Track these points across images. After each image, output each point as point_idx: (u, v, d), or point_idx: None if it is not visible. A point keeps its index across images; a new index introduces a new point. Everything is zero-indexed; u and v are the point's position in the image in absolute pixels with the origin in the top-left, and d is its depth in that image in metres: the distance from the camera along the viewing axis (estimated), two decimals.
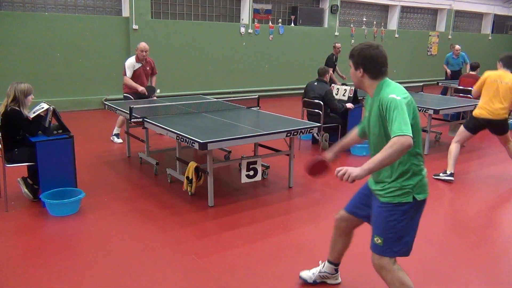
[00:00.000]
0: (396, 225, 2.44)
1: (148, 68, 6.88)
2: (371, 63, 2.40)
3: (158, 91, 7.20)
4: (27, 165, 4.33)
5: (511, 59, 5.30)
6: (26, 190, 4.38)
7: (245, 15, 11.65)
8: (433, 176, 5.37)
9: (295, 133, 4.60)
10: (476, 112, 5.40)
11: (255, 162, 4.45)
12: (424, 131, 6.72)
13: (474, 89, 5.63)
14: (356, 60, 2.45)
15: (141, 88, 6.67)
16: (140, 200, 4.57)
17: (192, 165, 4.47)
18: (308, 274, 3.08)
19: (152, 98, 6.89)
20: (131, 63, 6.72)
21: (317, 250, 3.55)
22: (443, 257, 3.53)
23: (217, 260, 3.37)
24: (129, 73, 6.70)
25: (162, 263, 3.33)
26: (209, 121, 5.02)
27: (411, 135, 2.22)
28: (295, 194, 4.83)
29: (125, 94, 6.80)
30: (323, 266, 3.06)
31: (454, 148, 5.45)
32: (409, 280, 2.51)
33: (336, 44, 9.92)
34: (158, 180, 5.22)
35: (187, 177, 4.50)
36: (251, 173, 4.45)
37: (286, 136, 4.55)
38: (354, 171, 2.26)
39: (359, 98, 6.75)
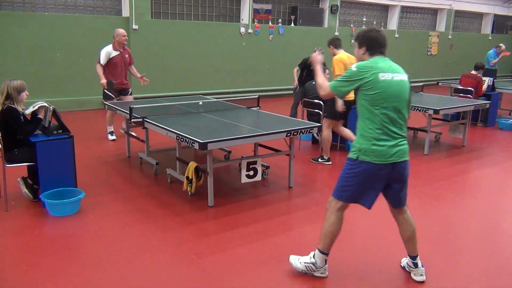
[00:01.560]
0: (343, 174, 3.03)
1: (126, 56, 6.68)
2: (372, 43, 2.94)
3: (143, 77, 6.90)
4: (27, 165, 4.32)
5: None
6: (26, 190, 4.38)
7: (245, 15, 11.64)
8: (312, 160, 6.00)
9: (295, 133, 4.59)
10: None
11: (255, 162, 4.45)
12: (424, 131, 6.74)
13: None
14: (360, 40, 2.98)
15: (102, 81, 6.47)
16: (140, 200, 4.57)
17: (192, 165, 4.47)
18: (297, 263, 3.22)
19: (122, 84, 6.72)
20: (107, 51, 6.50)
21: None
22: (443, 256, 3.54)
23: (217, 260, 3.37)
24: (103, 61, 6.48)
25: (162, 263, 3.33)
26: (209, 121, 5.02)
27: (333, 90, 2.96)
28: (295, 194, 4.83)
29: (104, 91, 6.57)
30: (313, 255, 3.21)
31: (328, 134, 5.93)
32: (339, 227, 3.08)
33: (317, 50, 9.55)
34: (158, 180, 5.22)
35: (187, 177, 4.50)
36: (251, 173, 4.44)
37: (286, 136, 4.54)
38: (316, 59, 3.24)
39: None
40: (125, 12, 9.95)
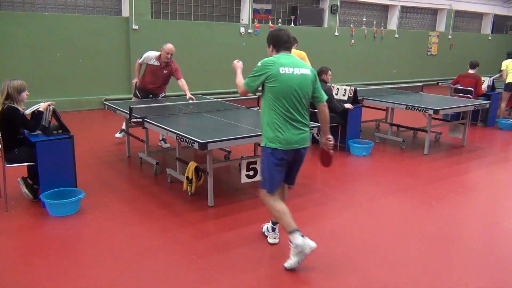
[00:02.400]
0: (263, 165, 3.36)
1: (165, 72, 6.29)
2: (276, 41, 3.32)
3: (189, 95, 6.26)
4: (27, 165, 4.32)
5: None
6: (26, 190, 4.38)
7: (245, 15, 11.64)
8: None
9: None
10: None
11: (255, 162, 4.44)
12: (424, 131, 6.74)
13: None
14: (268, 40, 3.38)
15: (135, 80, 6.52)
16: (140, 200, 4.57)
17: (192, 165, 4.47)
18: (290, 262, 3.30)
19: (157, 88, 6.52)
20: (149, 55, 6.27)
21: (317, 249, 3.55)
22: (443, 256, 3.54)
23: (217, 260, 3.37)
24: (141, 60, 6.34)
25: (162, 263, 3.33)
26: (209, 121, 5.02)
27: (245, 86, 3.34)
28: (295, 194, 4.82)
29: (136, 90, 6.51)
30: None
31: None
32: (281, 205, 3.32)
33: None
34: (158, 180, 5.22)
35: (187, 177, 4.50)
36: (251, 173, 4.44)
37: None
38: (236, 65, 3.79)
39: (359, 98, 6.75)
40: (125, 12, 9.95)
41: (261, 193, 3.41)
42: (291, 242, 3.20)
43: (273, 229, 3.67)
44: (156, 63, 6.25)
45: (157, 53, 6.24)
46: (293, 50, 6.05)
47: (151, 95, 6.52)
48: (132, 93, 6.92)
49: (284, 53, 3.32)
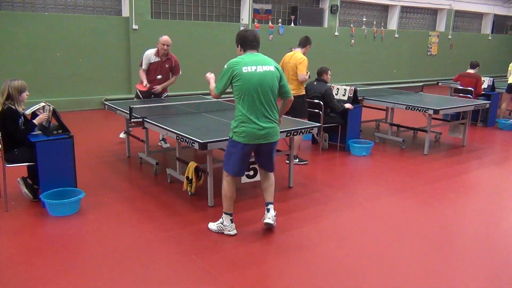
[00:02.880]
0: (226, 151, 3.70)
1: (166, 66, 6.31)
2: (242, 41, 3.56)
3: (158, 87, 6.33)
4: (27, 165, 4.32)
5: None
6: (26, 190, 4.38)
7: (245, 15, 11.64)
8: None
9: (295, 133, 4.59)
10: None
11: (255, 162, 4.45)
12: (424, 131, 6.74)
13: None
14: (236, 40, 3.60)
15: (145, 83, 6.22)
16: (140, 200, 4.57)
17: (192, 165, 4.47)
18: (212, 225, 3.87)
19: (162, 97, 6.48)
20: (148, 54, 6.27)
21: (317, 249, 3.55)
22: (443, 256, 3.54)
23: (217, 260, 3.37)
24: (144, 65, 6.27)
25: (162, 263, 3.33)
26: (209, 121, 5.02)
27: (215, 89, 3.62)
28: (295, 194, 4.83)
29: (137, 91, 6.47)
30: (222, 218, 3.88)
31: None
32: (231, 190, 3.72)
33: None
34: (158, 180, 5.22)
35: (187, 177, 4.50)
36: (251, 173, 4.44)
37: (286, 136, 4.54)
38: (208, 77, 3.96)
39: (359, 98, 6.75)
40: (125, 12, 9.95)
41: (224, 173, 3.72)
42: (222, 218, 3.77)
43: (268, 210, 3.87)
44: (157, 59, 6.26)
45: (154, 50, 6.26)
46: (293, 52, 6.01)
47: (153, 95, 6.44)
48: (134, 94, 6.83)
49: (250, 52, 3.56)
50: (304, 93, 6.04)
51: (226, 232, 3.75)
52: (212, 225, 3.84)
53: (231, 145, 3.63)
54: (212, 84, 3.81)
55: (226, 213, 3.77)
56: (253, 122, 3.48)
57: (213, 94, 3.69)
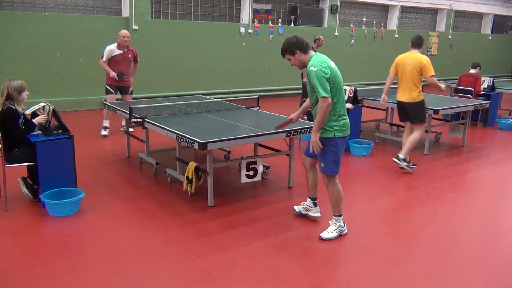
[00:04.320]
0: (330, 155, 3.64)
1: (130, 56, 7.09)
2: (301, 44, 3.51)
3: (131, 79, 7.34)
4: (27, 165, 4.32)
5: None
6: (26, 190, 4.38)
7: (245, 15, 11.64)
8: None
9: (295, 133, 4.59)
10: None
11: (255, 162, 4.45)
12: (424, 131, 6.73)
13: None
14: (290, 49, 3.53)
15: (112, 74, 6.90)
16: (140, 200, 4.57)
17: (192, 165, 4.47)
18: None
19: (128, 91, 7.20)
20: (110, 48, 6.97)
21: (317, 249, 3.55)
22: (443, 256, 3.54)
23: (217, 260, 3.37)
24: (105, 58, 6.96)
25: (162, 263, 3.33)
26: (209, 121, 5.02)
27: (328, 94, 3.40)
28: (295, 194, 4.83)
29: (106, 86, 7.08)
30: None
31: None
32: (342, 191, 3.77)
33: (321, 37, 9.43)
34: (158, 180, 5.22)
35: (187, 177, 4.50)
36: (251, 173, 4.44)
37: (286, 136, 4.54)
38: (314, 139, 3.56)
39: (359, 98, 6.75)
40: (125, 12, 9.95)
41: (329, 179, 3.74)
42: (336, 222, 3.79)
43: (315, 205, 4.15)
44: (119, 51, 6.94)
45: (114, 44, 6.97)
46: (414, 54, 5.68)
47: (119, 89, 7.14)
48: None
49: (310, 52, 3.58)
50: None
51: (344, 233, 3.80)
52: (329, 234, 3.74)
53: (335, 144, 3.59)
54: (319, 119, 3.50)
55: (339, 215, 3.80)
56: (346, 114, 3.62)
57: (327, 103, 3.42)
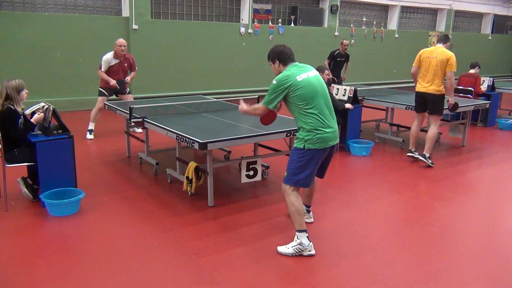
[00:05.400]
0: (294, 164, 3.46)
1: (126, 65, 7.07)
2: (282, 55, 3.51)
3: (128, 79, 7.23)
4: (27, 165, 4.32)
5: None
6: (26, 190, 4.38)
7: (245, 15, 11.64)
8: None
9: (295, 133, 4.59)
10: None
11: (255, 162, 4.45)
12: (424, 131, 6.73)
13: None
14: (271, 57, 3.58)
15: (112, 82, 6.87)
16: (140, 200, 4.57)
17: (192, 165, 4.47)
18: (285, 249, 3.57)
19: (125, 91, 7.18)
20: (107, 58, 6.92)
21: (318, 249, 3.55)
22: (443, 256, 3.54)
23: (217, 260, 3.37)
24: (103, 68, 6.92)
25: (162, 263, 3.33)
26: (209, 121, 5.02)
27: (266, 105, 3.48)
28: None
29: (100, 89, 7.07)
30: None
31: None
32: (301, 203, 3.47)
33: (344, 41, 9.78)
34: (158, 180, 5.22)
35: (187, 177, 4.50)
36: (251, 173, 4.44)
37: (286, 136, 4.55)
38: (242, 107, 3.66)
39: (359, 98, 6.75)
40: (125, 12, 9.95)
41: (286, 189, 3.50)
42: (297, 238, 3.45)
43: (308, 211, 4.01)
44: (116, 60, 6.90)
45: (111, 53, 6.90)
46: (440, 48, 5.83)
47: (115, 92, 7.14)
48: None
49: (291, 64, 3.51)
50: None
51: (306, 253, 3.43)
52: (285, 249, 3.46)
53: (302, 155, 3.38)
54: (250, 108, 3.63)
55: (301, 231, 3.44)
56: (328, 125, 3.39)
57: (261, 110, 3.53)
